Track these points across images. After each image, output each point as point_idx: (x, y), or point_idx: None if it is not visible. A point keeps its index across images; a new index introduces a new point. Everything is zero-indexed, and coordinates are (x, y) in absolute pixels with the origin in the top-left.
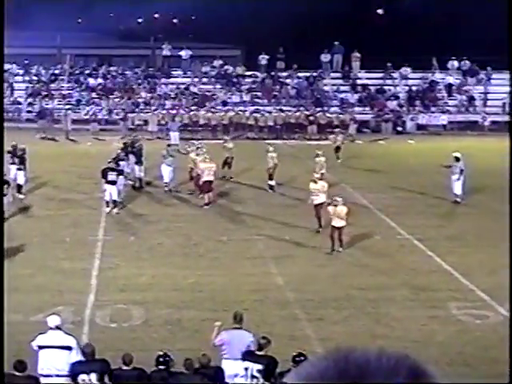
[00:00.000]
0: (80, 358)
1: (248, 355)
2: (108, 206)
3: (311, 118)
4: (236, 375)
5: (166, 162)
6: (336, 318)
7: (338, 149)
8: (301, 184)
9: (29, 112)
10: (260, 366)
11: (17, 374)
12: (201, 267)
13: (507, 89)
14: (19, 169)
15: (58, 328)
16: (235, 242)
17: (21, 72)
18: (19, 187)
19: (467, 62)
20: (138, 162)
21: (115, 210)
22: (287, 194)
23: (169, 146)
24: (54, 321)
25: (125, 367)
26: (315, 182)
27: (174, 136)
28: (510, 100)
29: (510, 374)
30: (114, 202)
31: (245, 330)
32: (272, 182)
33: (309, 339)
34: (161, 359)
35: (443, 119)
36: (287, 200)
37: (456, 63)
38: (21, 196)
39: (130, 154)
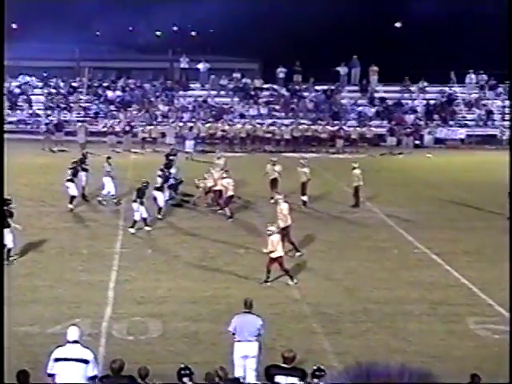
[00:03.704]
0: (96, 372)
1: (278, 369)
2: (133, 227)
3: (340, 131)
4: (246, 356)
5: (110, 173)
6: (353, 332)
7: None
8: (333, 197)
9: (46, 124)
10: (296, 380)
11: None
12: (218, 280)
13: None
14: (70, 180)
15: (76, 342)
16: (252, 255)
17: (40, 84)
18: (72, 198)
19: (484, 75)
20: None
21: (147, 228)
22: (316, 207)
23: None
24: (73, 334)
25: (140, 380)
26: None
27: (190, 144)
28: (510, 112)
29: (510, 373)
30: (145, 219)
31: (254, 314)
32: (305, 198)
33: (326, 353)
34: (182, 372)
35: (461, 133)
36: (310, 214)
37: (474, 77)
38: (70, 206)
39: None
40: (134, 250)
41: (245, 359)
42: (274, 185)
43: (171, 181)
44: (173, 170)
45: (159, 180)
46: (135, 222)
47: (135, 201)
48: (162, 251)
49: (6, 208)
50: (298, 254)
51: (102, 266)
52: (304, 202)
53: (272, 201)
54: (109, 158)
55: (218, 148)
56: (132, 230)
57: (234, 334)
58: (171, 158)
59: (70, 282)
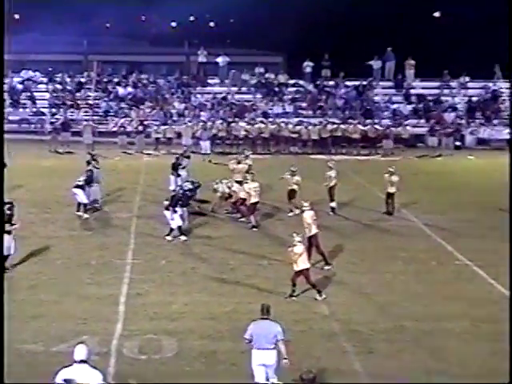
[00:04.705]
0: None
1: None
2: (169, 235)
3: (387, 131)
4: (264, 365)
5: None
6: (387, 352)
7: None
8: (363, 203)
9: (52, 123)
10: None
11: None
12: (238, 294)
13: None
14: (79, 186)
15: (83, 362)
16: (276, 267)
17: (44, 80)
18: (83, 206)
19: None
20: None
21: (183, 238)
22: (346, 215)
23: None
24: (80, 353)
25: None
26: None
27: (205, 146)
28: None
29: (510, 373)
30: (180, 227)
31: (271, 320)
32: (333, 204)
33: (357, 374)
34: None
35: (507, 133)
36: (340, 221)
37: None
38: (85, 215)
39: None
40: (146, 261)
41: (263, 367)
42: (291, 196)
43: (186, 185)
44: (183, 173)
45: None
46: (172, 229)
47: (167, 209)
48: (178, 262)
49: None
50: (327, 267)
51: (111, 278)
52: (332, 209)
53: (290, 214)
54: (94, 158)
55: (242, 149)
56: (169, 238)
57: (250, 341)
58: (181, 159)
59: (76, 296)
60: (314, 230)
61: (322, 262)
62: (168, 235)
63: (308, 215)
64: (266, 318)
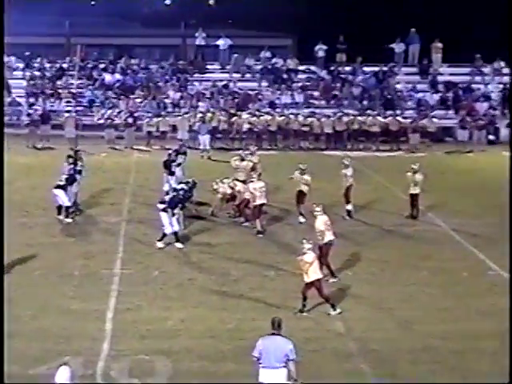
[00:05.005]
0: None
1: None
2: (161, 240)
3: (412, 124)
4: None
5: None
6: (411, 375)
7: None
8: (383, 206)
9: (29, 115)
10: None
11: None
12: (242, 309)
13: None
14: (60, 187)
15: None
16: (285, 278)
17: (21, 66)
18: (65, 209)
19: None
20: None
21: (178, 245)
22: (364, 219)
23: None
24: (62, 376)
25: None
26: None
27: (204, 140)
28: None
29: (509, 373)
30: (176, 233)
31: (283, 336)
32: (349, 207)
33: None
34: None
35: None
36: (357, 227)
37: None
38: (67, 220)
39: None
40: (137, 272)
41: None
42: (300, 199)
43: (180, 186)
44: (178, 172)
45: None
46: (164, 235)
47: (165, 210)
48: (173, 273)
49: None
50: (332, 279)
51: (97, 291)
52: (348, 212)
53: (302, 220)
54: (70, 156)
55: (246, 144)
56: (160, 244)
57: (259, 359)
58: (174, 155)
59: (57, 311)
60: (329, 237)
61: (328, 275)
62: (160, 240)
63: (321, 221)
64: (277, 334)
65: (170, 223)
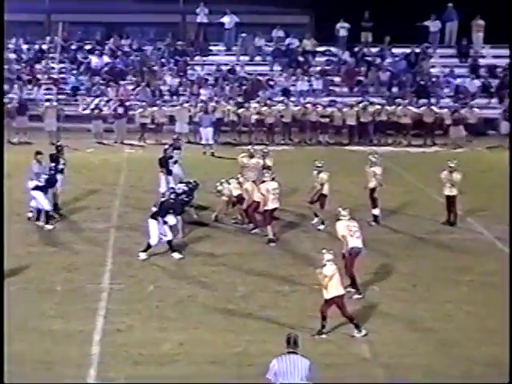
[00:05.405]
0: None
1: None
2: (145, 252)
3: (455, 115)
4: None
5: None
6: None
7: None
8: (416, 210)
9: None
10: None
11: None
12: (250, 330)
13: None
14: (38, 188)
15: None
16: (300, 294)
17: None
18: (44, 214)
19: None
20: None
21: (176, 255)
22: (394, 225)
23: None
24: None
25: None
26: None
27: (206, 134)
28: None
29: (509, 373)
30: (170, 242)
31: (301, 355)
32: (376, 211)
33: None
34: None
35: None
36: (385, 234)
37: None
38: (47, 226)
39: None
40: (128, 287)
41: None
42: (320, 202)
43: (179, 187)
44: (176, 170)
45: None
46: (149, 246)
47: (154, 217)
48: (170, 288)
49: None
50: (356, 296)
51: (82, 309)
52: (375, 218)
53: (320, 227)
54: (38, 153)
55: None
56: (143, 256)
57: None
58: (170, 151)
59: (37, 332)
60: (353, 244)
61: (352, 290)
62: (144, 251)
63: (342, 225)
64: (294, 352)
65: (161, 233)
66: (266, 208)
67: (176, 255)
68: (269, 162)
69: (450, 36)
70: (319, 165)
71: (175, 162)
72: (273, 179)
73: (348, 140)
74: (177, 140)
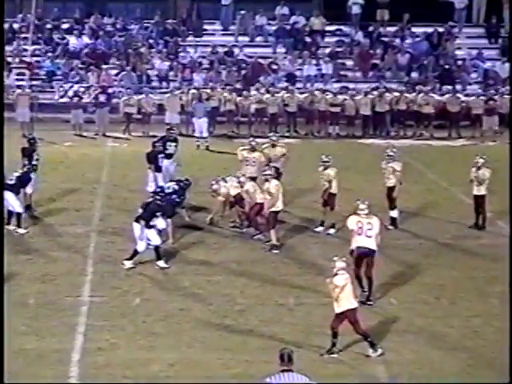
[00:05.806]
0: None
1: None
2: (131, 259)
3: (490, 103)
4: None
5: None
6: None
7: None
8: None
9: None
10: None
11: None
12: (250, 349)
13: None
14: (8, 188)
15: None
16: (307, 308)
17: None
18: (16, 217)
19: None
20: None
21: (162, 264)
22: (414, 229)
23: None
24: None
25: None
26: None
27: (200, 125)
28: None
29: (509, 373)
30: (157, 248)
31: (296, 372)
32: (394, 213)
33: None
34: None
35: None
36: (404, 239)
37: None
38: (20, 230)
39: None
40: (112, 300)
41: None
42: (329, 203)
43: (170, 186)
44: (170, 166)
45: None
46: (136, 253)
47: (137, 221)
48: (159, 301)
49: None
50: (367, 302)
51: (59, 324)
52: (393, 220)
53: (331, 231)
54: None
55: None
56: (128, 264)
57: None
58: (160, 146)
59: (7, 352)
60: (361, 243)
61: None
62: (129, 260)
63: (353, 220)
64: (289, 370)
65: (143, 239)
66: (273, 209)
67: (161, 264)
68: (279, 152)
69: (477, 13)
70: (326, 159)
71: (168, 157)
72: (279, 175)
73: (362, 132)
74: (170, 130)
